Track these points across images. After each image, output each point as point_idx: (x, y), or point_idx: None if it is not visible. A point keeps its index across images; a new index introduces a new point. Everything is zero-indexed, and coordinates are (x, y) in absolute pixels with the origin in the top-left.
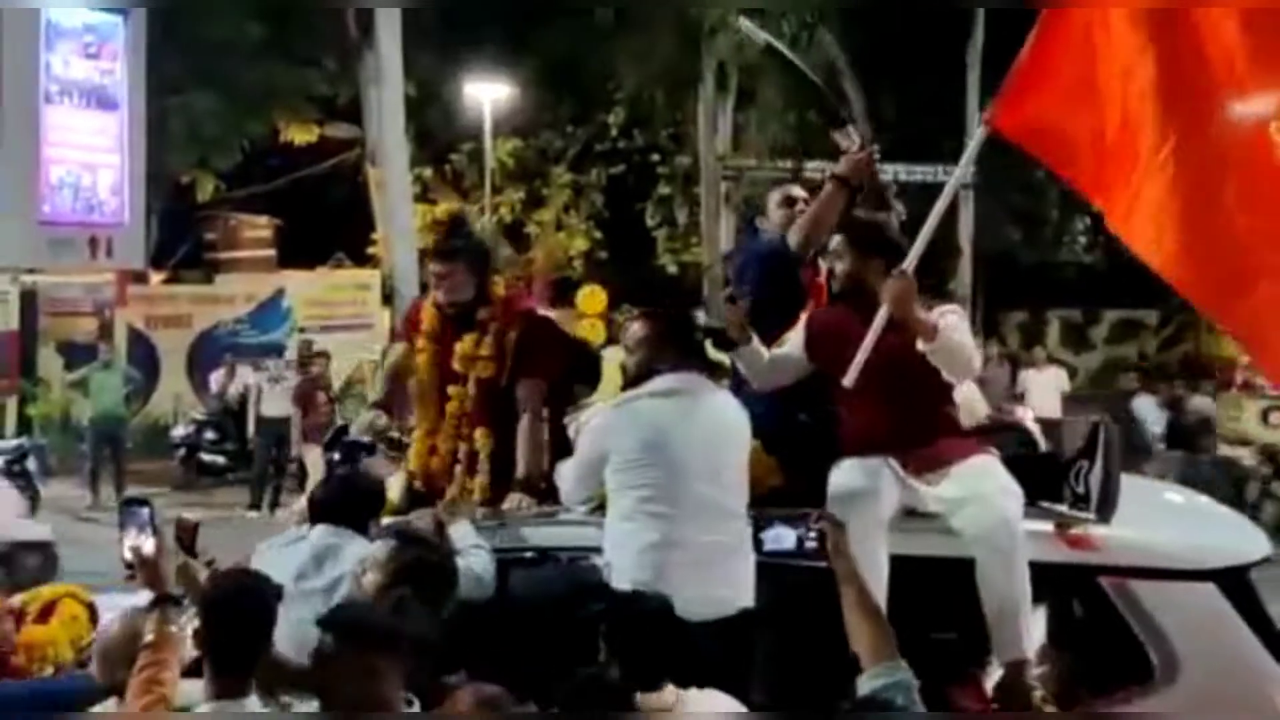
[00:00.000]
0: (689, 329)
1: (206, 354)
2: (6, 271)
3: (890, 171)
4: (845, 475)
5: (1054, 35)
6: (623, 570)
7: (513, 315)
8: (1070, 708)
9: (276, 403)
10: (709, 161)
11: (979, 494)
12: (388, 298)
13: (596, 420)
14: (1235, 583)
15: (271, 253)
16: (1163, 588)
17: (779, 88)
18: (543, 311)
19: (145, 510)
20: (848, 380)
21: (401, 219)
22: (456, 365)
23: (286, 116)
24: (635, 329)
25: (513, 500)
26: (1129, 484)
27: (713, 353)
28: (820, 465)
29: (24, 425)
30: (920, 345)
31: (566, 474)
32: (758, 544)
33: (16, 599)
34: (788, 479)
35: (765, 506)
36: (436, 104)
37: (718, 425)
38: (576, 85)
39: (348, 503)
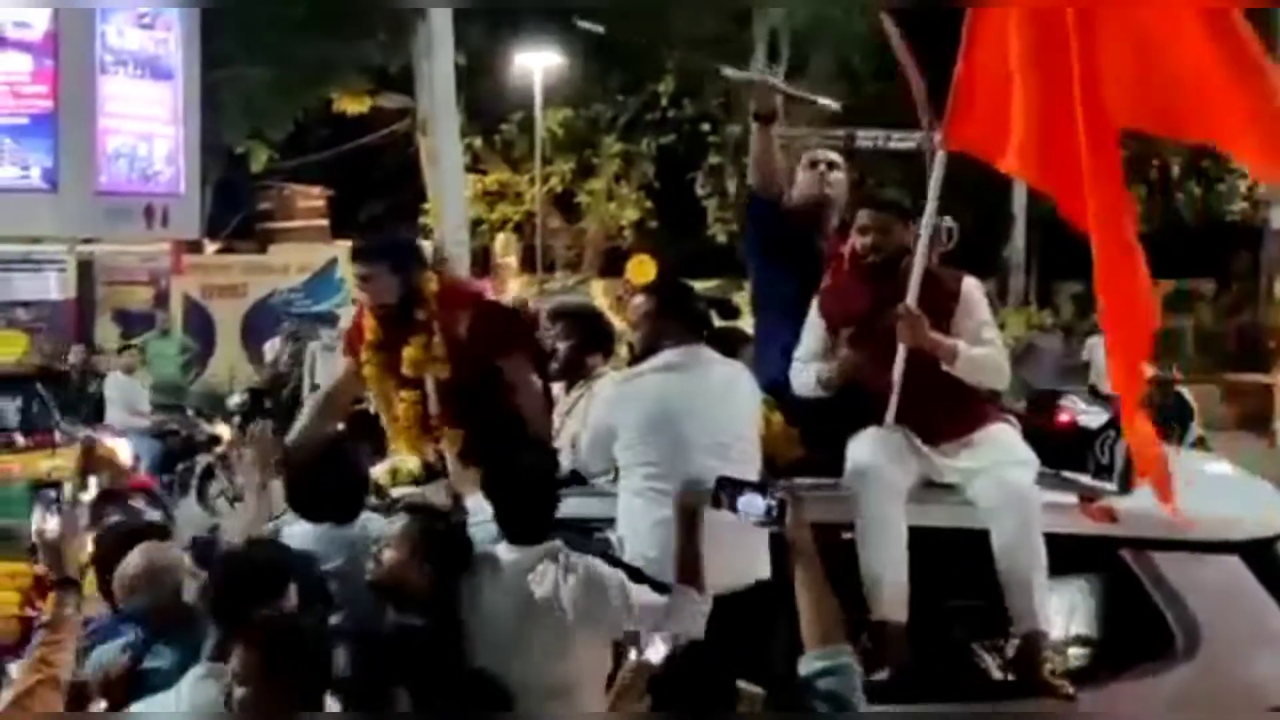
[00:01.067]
0: (691, 301)
1: (261, 323)
2: (64, 241)
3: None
4: (863, 446)
5: (978, 39)
6: (633, 546)
7: (457, 308)
8: (1089, 682)
9: (330, 371)
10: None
11: (993, 465)
12: (437, 267)
13: (601, 396)
14: (1260, 555)
15: (324, 223)
16: (1185, 560)
17: (831, 56)
18: (490, 295)
19: (52, 492)
20: (887, 420)
21: (452, 189)
22: (407, 370)
23: (339, 87)
24: (637, 304)
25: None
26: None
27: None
28: (844, 436)
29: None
30: (944, 366)
31: (580, 447)
32: (734, 509)
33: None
34: (810, 450)
35: (788, 478)
36: (487, 74)
37: (724, 398)
38: (627, 54)
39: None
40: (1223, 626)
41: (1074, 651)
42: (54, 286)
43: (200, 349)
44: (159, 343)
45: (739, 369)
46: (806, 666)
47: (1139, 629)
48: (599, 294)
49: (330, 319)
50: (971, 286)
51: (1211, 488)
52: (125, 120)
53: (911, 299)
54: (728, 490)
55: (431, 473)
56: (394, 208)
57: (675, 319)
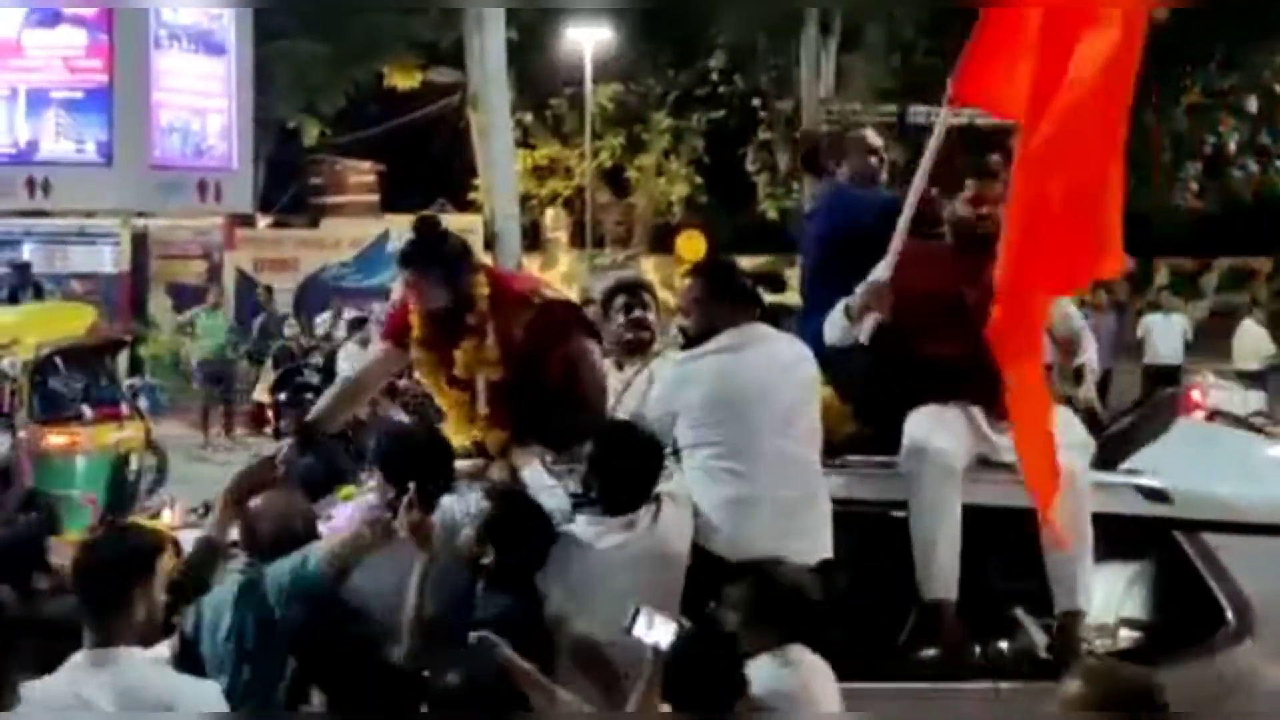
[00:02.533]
0: (740, 280)
1: (313, 297)
2: (118, 214)
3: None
4: (920, 424)
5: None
6: (698, 525)
7: (511, 309)
8: (1140, 663)
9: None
10: (811, 106)
11: None
12: (489, 243)
13: (662, 377)
14: None
15: (375, 198)
16: (1238, 542)
17: (884, 30)
18: (539, 287)
19: None
20: (879, 272)
21: (503, 164)
22: (459, 373)
23: (390, 62)
24: (686, 289)
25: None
26: (1212, 435)
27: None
28: (897, 413)
29: (135, 365)
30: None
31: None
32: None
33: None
34: (862, 426)
35: (840, 454)
36: (538, 49)
37: (785, 374)
38: (678, 29)
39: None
40: (1276, 608)
41: (1126, 633)
42: (108, 260)
43: (248, 324)
44: (208, 318)
45: (797, 344)
46: None
47: (1192, 610)
48: (649, 270)
49: (382, 293)
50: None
51: (1263, 470)
52: (179, 95)
53: (885, 270)
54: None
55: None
56: (444, 182)
57: (727, 300)
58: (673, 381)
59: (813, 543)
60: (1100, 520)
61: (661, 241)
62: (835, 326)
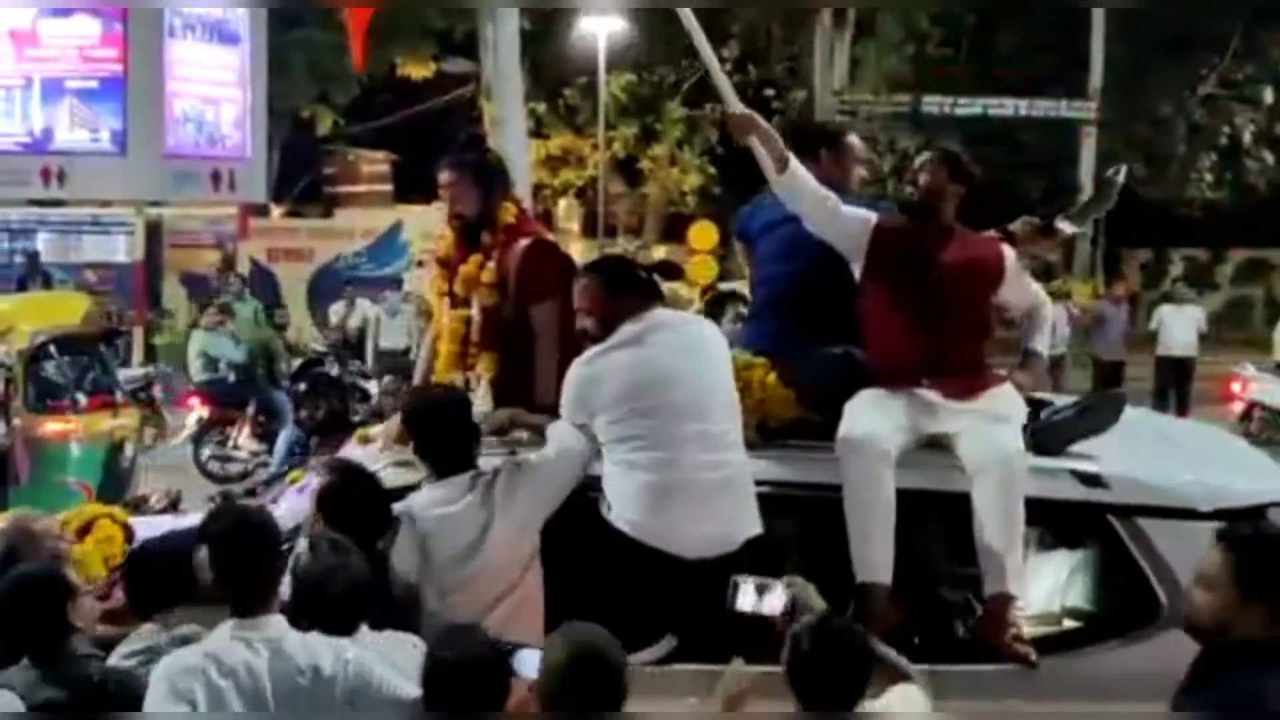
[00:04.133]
0: (635, 271)
1: (326, 287)
2: (132, 204)
3: (1010, 106)
4: (857, 408)
5: None
6: (619, 510)
7: (514, 241)
8: (1073, 647)
9: (394, 335)
10: (825, 96)
11: (981, 427)
12: None
13: (571, 381)
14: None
15: (389, 187)
16: (1174, 527)
17: (897, 20)
18: (549, 236)
19: None
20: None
21: (516, 153)
22: (458, 288)
23: (403, 52)
24: (582, 288)
25: (502, 415)
26: (1151, 422)
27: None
28: (840, 398)
29: (150, 354)
30: (769, 176)
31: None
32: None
33: (59, 516)
34: (806, 412)
35: (781, 439)
36: (551, 38)
37: (693, 356)
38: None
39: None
40: None
41: (1060, 618)
42: (122, 249)
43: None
44: (238, 307)
45: (704, 325)
46: None
47: (1126, 595)
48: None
49: (395, 282)
50: (1011, 255)
51: (1202, 457)
52: (193, 84)
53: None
54: (738, 588)
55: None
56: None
57: (624, 293)
58: (584, 382)
59: (737, 523)
60: (1035, 505)
61: (674, 232)
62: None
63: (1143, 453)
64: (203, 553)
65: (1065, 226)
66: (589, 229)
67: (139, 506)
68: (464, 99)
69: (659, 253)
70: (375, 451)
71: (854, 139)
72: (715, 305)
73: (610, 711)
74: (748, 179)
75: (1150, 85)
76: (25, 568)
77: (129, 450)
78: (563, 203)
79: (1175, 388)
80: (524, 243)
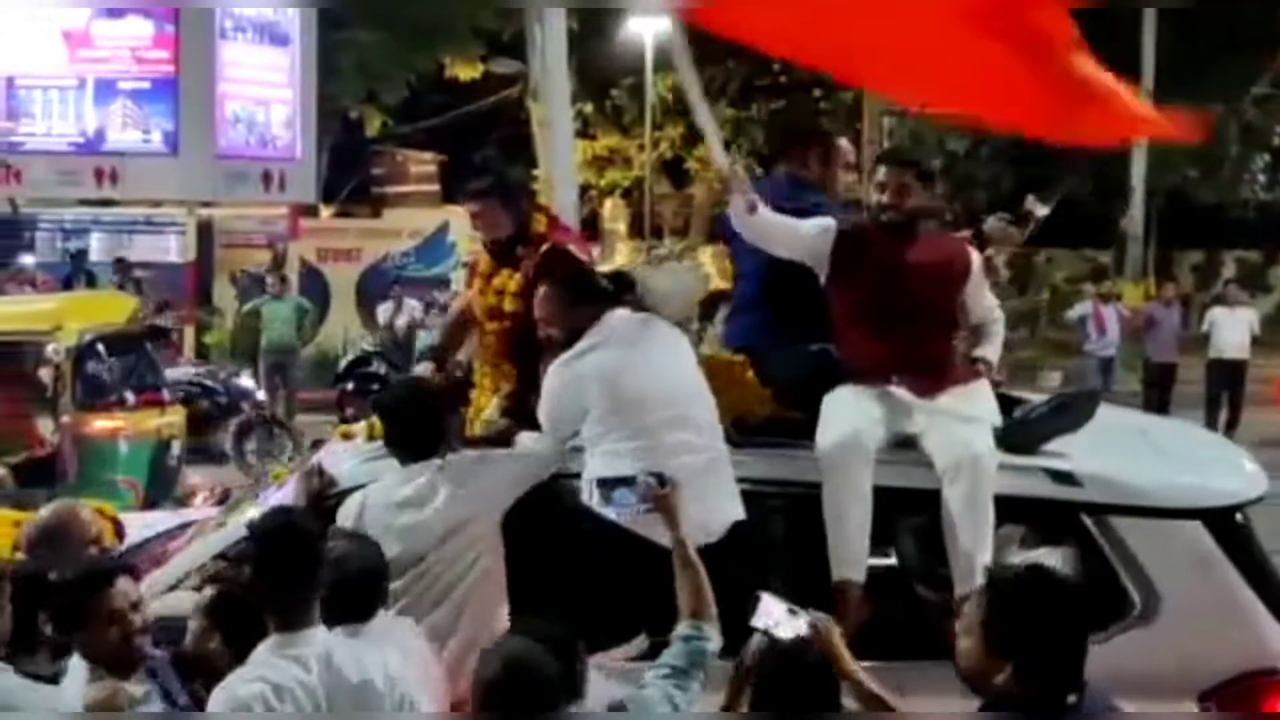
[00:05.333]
0: (593, 278)
1: (374, 286)
2: (184, 204)
3: None
4: (835, 406)
5: None
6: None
7: (536, 249)
8: None
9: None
10: (872, 96)
11: (950, 425)
12: None
13: (551, 390)
14: (1224, 523)
15: (436, 188)
16: (1147, 525)
17: None
18: (572, 244)
19: None
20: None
21: (562, 154)
22: (491, 299)
23: (452, 52)
24: (540, 298)
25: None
26: (1126, 421)
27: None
28: (816, 396)
29: (201, 352)
30: (739, 218)
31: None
32: (607, 501)
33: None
34: (783, 409)
35: (756, 435)
36: (599, 39)
37: (660, 352)
38: None
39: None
40: (1181, 591)
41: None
42: (174, 249)
43: (316, 312)
44: (273, 306)
45: (655, 320)
46: (674, 633)
47: (1098, 594)
48: (707, 260)
49: (443, 282)
50: (977, 260)
51: (1176, 455)
52: (244, 85)
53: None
54: (604, 485)
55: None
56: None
57: (586, 300)
58: (563, 389)
59: (721, 507)
60: (1008, 502)
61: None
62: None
63: (1119, 451)
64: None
65: (1036, 207)
66: (635, 230)
67: (187, 503)
68: (511, 100)
69: (705, 254)
70: (356, 446)
71: (843, 143)
72: (708, 305)
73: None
74: None
75: (1202, 86)
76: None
77: (176, 448)
78: (609, 203)
79: (1227, 391)
80: (537, 252)
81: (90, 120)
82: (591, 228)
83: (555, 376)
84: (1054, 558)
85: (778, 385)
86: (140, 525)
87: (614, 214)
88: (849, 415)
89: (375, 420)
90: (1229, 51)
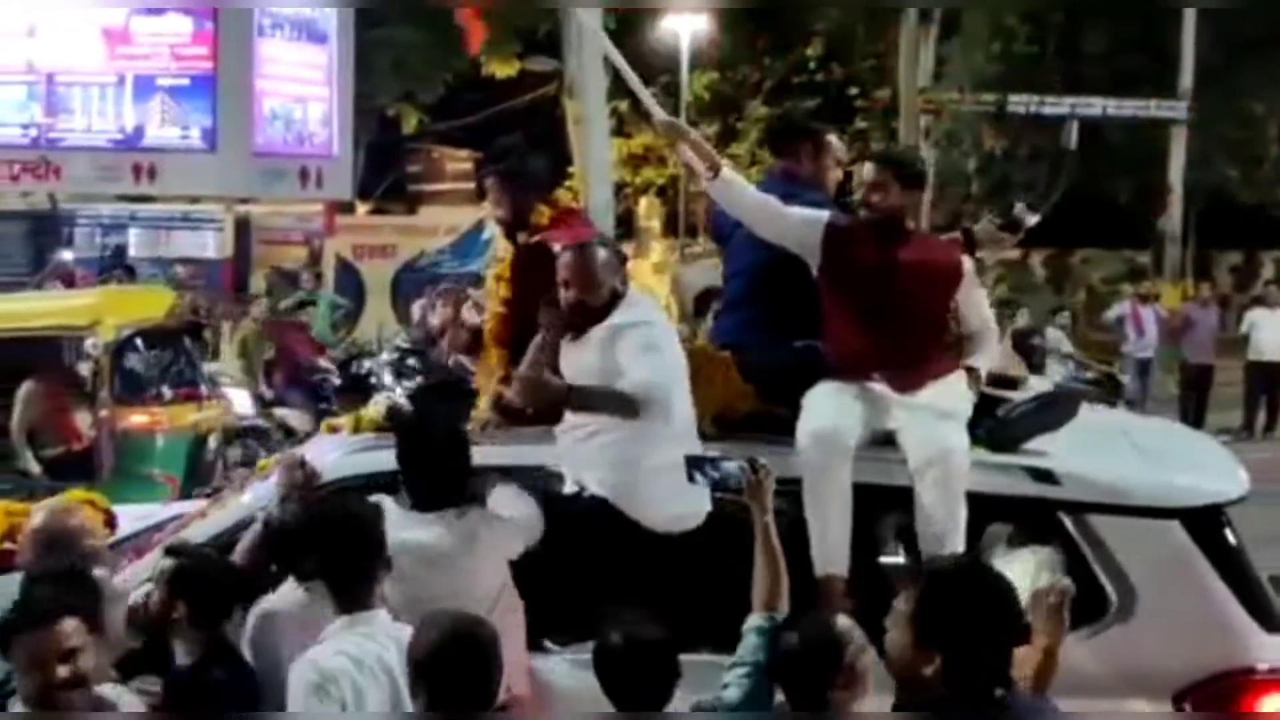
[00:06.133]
0: (613, 248)
1: (409, 283)
2: (222, 200)
3: (1098, 105)
4: (816, 401)
5: None
6: (594, 475)
7: (531, 237)
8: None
9: None
10: (909, 95)
11: (925, 421)
12: None
13: (651, 345)
14: (1204, 522)
15: (472, 185)
16: (1125, 524)
17: (984, 18)
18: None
19: None
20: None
21: (598, 152)
22: (492, 284)
23: (487, 50)
24: (572, 263)
25: (479, 421)
26: (1110, 420)
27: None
28: (799, 394)
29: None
30: (704, 183)
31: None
32: (691, 479)
33: (45, 502)
34: (765, 406)
35: (737, 431)
36: (634, 37)
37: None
38: (775, 17)
39: None
40: (1158, 592)
41: None
42: (212, 245)
43: (351, 308)
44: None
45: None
46: (746, 625)
47: (1076, 592)
48: None
49: (477, 279)
50: (969, 266)
51: (1157, 454)
52: (281, 83)
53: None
54: (695, 465)
55: (394, 420)
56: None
57: (611, 270)
58: (667, 343)
59: (703, 498)
60: (985, 500)
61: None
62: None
63: (1100, 450)
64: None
65: (1025, 215)
66: (670, 228)
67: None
68: (547, 97)
69: None
70: (342, 439)
71: (834, 139)
72: (702, 301)
73: (483, 693)
74: None
75: (1242, 85)
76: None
77: (212, 442)
78: (644, 201)
79: (1265, 393)
80: (525, 246)
81: (129, 117)
82: (626, 225)
83: (663, 331)
84: (1038, 557)
85: (761, 381)
86: (135, 518)
87: (648, 212)
88: (828, 410)
89: (361, 413)
90: (1269, 51)
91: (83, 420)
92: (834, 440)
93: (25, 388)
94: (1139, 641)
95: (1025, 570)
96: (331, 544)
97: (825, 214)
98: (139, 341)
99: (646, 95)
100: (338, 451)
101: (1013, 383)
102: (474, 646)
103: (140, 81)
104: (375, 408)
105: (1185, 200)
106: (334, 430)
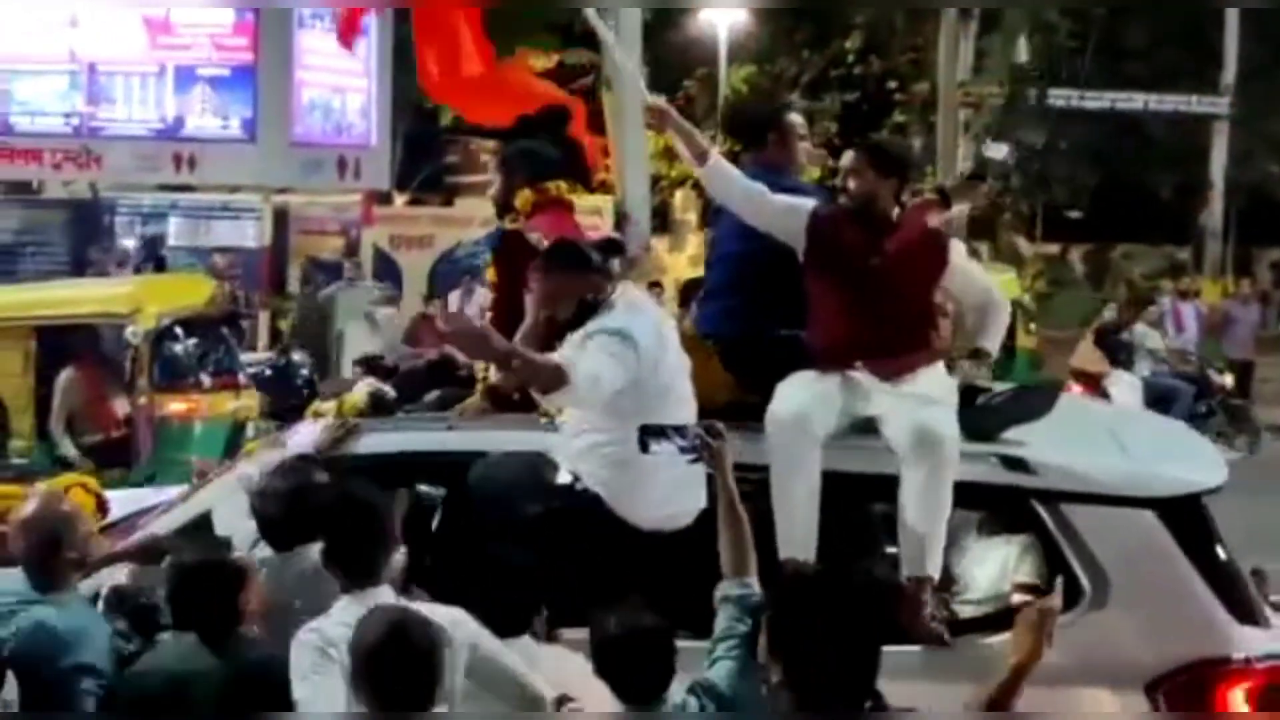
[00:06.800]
0: (587, 252)
1: (446, 274)
2: (260, 190)
3: (1140, 100)
4: (788, 389)
5: None
6: (590, 469)
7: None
8: (992, 629)
9: None
10: (948, 88)
11: (913, 409)
12: (619, 224)
13: (602, 352)
14: (1179, 512)
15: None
16: (1099, 513)
17: (1024, 12)
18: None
19: None
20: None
21: (634, 145)
22: (490, 273)
23: (526, 42)
24: (542, 278)
25: (466, 404)
26: (1090, 410)
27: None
28: (779, 380)
29: (274, 338)
30: (694, 169)
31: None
32: (645, 448)
33: (38, 485)
34: (746, 394)
35: (721, 421)
36: (672, 30)
37: (669, 329)
38: (814, 10)
39: None
40: (1132, 581)
41: (981, 602)
42: (250, 235)
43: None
44: (348, 292)
45: (653, 301)
46: (718, 593)
47: (1048, 581)
48: None
49: None
50: (959, 248)
51: (1134, 443)
52: (320, 73)
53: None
54: (650, 434)
55: (377, 405)
56: None
57: (583, 275)
58: (638, 340)
59: (697, 495)
60: (958, 488)
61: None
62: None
63: (1077, 440)
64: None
65: (993, 152)
66: (706, 221)
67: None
68: (584, 90)
69: None
70: (326, 424)
71: (794, 117)
72: (688, 290)
73: (424, 692)
74: None
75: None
76: (204, 555)
77: (250, 430)
78: (680, 194)
79: None
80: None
81: (170, 107)
82: (662, 218)
83: (615, 342)
84: (1017, 548)
85: (743, 371)
86: (130, 501)
87: (685, 205)
88: (799, 396)
89: (345, 398)
90: None
91: (121, 407)
92: (801, 426)
93: (64, 375)
94: (1111, 631)
95: (1004, 560)
96: (340, 523)
97: (810, 202)
98: (179, 329)
99: (638, 79)
100: (321, 435)
101: (1095, 378)
102: (415, 645)
103: (181, 72)
104: (358, 394)
105: (1226, 196)
106: (319, 416)
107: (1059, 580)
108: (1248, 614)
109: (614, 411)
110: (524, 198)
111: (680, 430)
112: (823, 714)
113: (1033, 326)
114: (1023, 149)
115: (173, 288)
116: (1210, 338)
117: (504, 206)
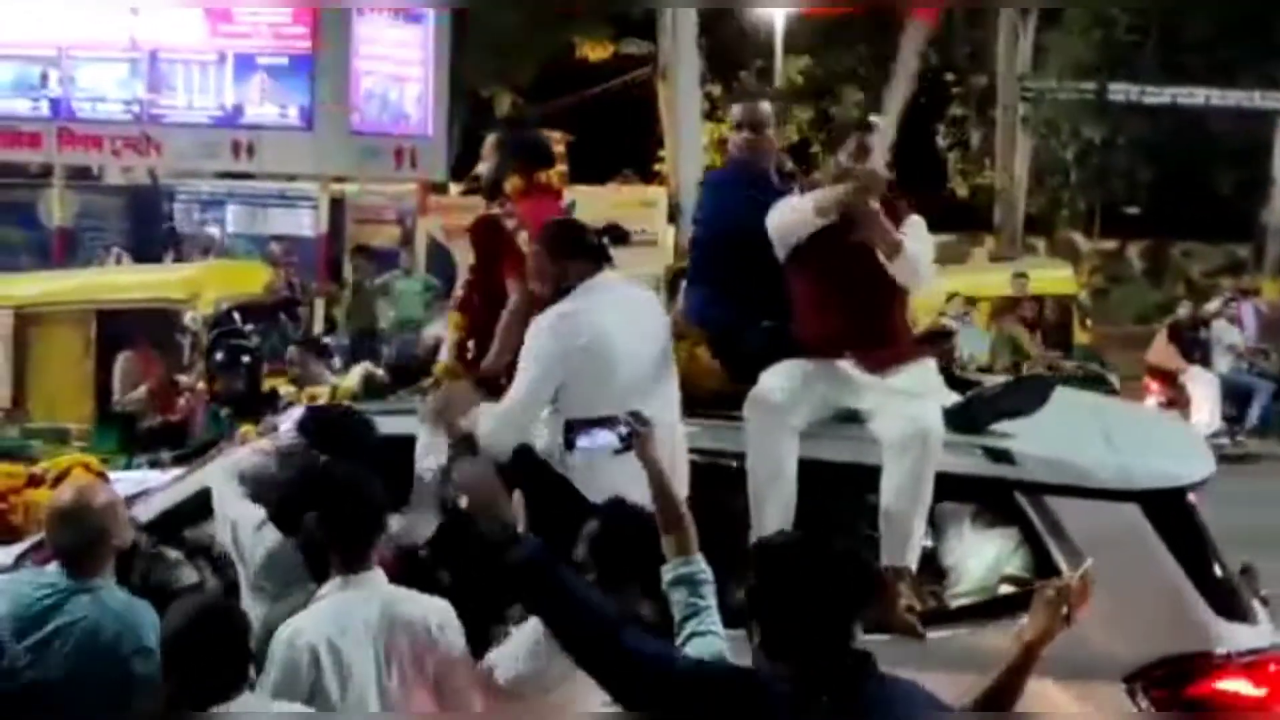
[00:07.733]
0: (583, 234)
1: None
2: (317, 179)
3: (1201, 95)
4: (769, 378)
5: None
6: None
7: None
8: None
9: None
10: (1007, 81)
11: (900, 402)
12: (672, 216)
13: (535, 344)
14: (1164, 505)
15: (564, 168)
16: (1082, 505)
17: (1085, 5)
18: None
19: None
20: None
21: (689, 136)
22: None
23: (582, 32)
24: (534, 252)
25: (439, 372)
26: (1081, 402)
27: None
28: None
29: (330, 325)
30: (883, 259)
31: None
32: (570, 445)
33: (40, 466)
34: (732, 384)
35: (703, 408)
36: (729, 20)
37: (646, 319)
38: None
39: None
40: (1114, 574)
41: (963, 593)
42: (307, 223)
43: (441, 288)
44: (403, 281)
45: (645, 291)
46: (666, 576)
47: (1030, 572)
48: None
49: None
50: (915, 219)
51: (1120, 436)
52: (378, 62)
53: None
54: (575, 430)
55: (369, 390)
56: (630, 154)
57: (573, 257)
58: (555, 347)
59: (678, 484)
60: (941, 479)
61: None
62: (793, 213)
63: (1065, 432)
64: None
65: (876, 121)
66: None
67: None
68: (640, 81)
69: None
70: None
71: (736, 108)
72: (678, 276)
73: (231, 676)
74: (923, 165)
75: None
76: (202, 604)
77: None
78: None
79: None
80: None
81: (229, 94)
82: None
83: (546, 336)
84: (1010, 540)
85: (733, 360)
86: (133, 483)
87: None
88: (778, 385)
89: (339, 383)
90: None
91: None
92: (776, 415)
93: (121, 359)
94: (1093, 623)
95: (996, 552)
96: (332, 505)
97: (793, 200)
98: (236, 315)
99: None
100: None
101: (1171, 375)
102: (221, 630)
103: (240, 60)
104: (351, 379)
105: None
106: (313, 400)
107: (1089, 562)
108: (1232, 609)
109: (559, 413)
110: (514, 184)
111: (608, 422)
112: (799, 670)
113: (1088, 322)
114: (1081, 144)
115: (231, 274)
116: (1270, 337)
117: (494, 189)
